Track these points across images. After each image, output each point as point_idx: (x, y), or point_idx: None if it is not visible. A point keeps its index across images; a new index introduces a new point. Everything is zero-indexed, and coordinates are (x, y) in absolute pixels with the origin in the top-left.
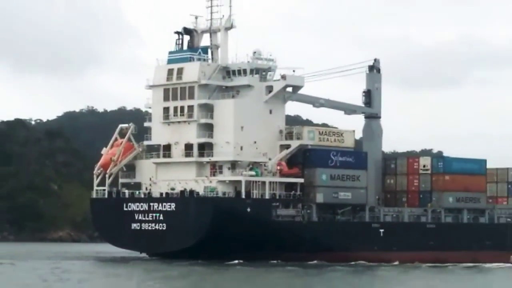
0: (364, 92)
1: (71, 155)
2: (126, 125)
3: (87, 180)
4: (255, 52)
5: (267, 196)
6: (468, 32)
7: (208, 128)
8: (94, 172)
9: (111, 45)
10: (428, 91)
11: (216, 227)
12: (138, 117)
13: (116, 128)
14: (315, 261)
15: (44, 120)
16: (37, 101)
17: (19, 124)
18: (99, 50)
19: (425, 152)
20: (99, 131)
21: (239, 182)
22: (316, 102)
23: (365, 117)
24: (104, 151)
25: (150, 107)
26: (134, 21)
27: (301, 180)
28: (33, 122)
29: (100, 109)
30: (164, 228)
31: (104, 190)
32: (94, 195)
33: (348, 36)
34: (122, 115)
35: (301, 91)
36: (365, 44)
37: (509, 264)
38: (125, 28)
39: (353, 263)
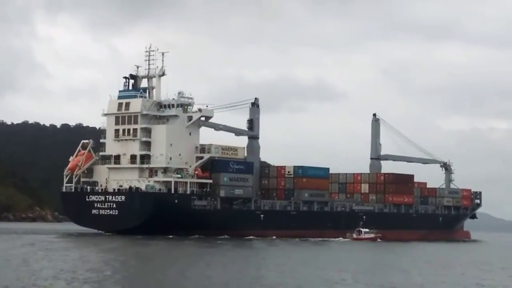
0: (248, 120)
1: None
2: (87, 140)
3: None
4: (179, 92)
5: (188, 192)
6: (285, 73)
7: (147, 144)
8: (64, 173)
9: (23, 76)
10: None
11: (155, 212)
12: (35, 129)
13: (19, 137)
14: (224, 236)
15: None
16: None
17: None
18: (14, 80)
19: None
20: (6, 138)
21: (170, 182)
22: (217, 127)
23: (248, 138)
24: (71, 158)
25: (105, 128)
26: (42, 60)
27: (210, 181)
28: None
29: (8, 122)
30: (116, 213)
31: (71, 186)
32: (64, 190)
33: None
34: (25, 126)
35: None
36: (210, 81)
37: (344, 239)
38: (34, 64)
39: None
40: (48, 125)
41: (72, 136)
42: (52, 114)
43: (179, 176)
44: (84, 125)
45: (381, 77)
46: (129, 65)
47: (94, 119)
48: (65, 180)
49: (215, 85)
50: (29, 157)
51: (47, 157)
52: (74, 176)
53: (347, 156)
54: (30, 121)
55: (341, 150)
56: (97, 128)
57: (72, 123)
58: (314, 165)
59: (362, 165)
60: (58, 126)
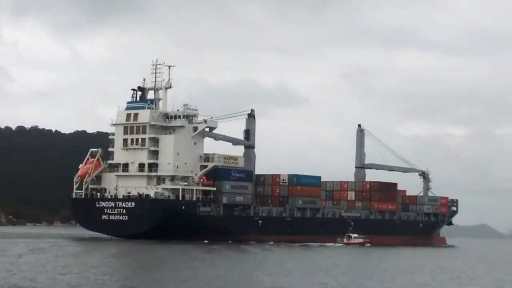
0: (244, 130)
1: None
2: (96, 149)
3: None
4: (185, 104)
5: (194, 199)
6: (246, 77)
7: (155, 153)
8: (74, 180)
9: None
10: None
11: (164, 218)
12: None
13: None
14: (229, 241)
15: None
16: None
17: None
18: None
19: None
20: None
21: (177, 189)
22: (216, 137)
23: (245, 147)
24: (80, 166)
25: (113, 137)
26: (4, 63)
27: (214, 189)
28: None
29: None
30: (126, 219)
31: (81, 192)
32: (74, 196)
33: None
34: None
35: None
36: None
37: (336, 244)
38: None
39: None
40: (3, 127)
41: (27, 139)
42: (10, 116)
43: (186, 183)
44: (40, 127)
45: (342, 83)
46: (90, 68)
47: (53, 121)
48: (75, 186)
49: (177, 88)
50: None
51: (1, 159)
52: (84, 183)
53: (309, 161)
54: None
55: (303, 155)
56: (53, 131)
57: (28, 125)
58: (276, 169)
59: (324, 170)
60: (13, 128)
